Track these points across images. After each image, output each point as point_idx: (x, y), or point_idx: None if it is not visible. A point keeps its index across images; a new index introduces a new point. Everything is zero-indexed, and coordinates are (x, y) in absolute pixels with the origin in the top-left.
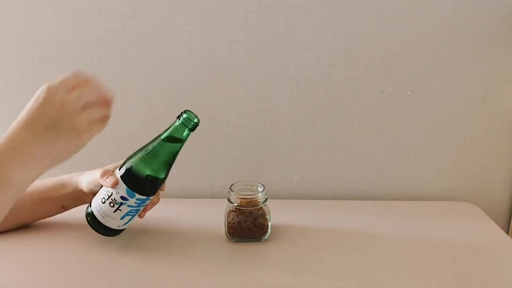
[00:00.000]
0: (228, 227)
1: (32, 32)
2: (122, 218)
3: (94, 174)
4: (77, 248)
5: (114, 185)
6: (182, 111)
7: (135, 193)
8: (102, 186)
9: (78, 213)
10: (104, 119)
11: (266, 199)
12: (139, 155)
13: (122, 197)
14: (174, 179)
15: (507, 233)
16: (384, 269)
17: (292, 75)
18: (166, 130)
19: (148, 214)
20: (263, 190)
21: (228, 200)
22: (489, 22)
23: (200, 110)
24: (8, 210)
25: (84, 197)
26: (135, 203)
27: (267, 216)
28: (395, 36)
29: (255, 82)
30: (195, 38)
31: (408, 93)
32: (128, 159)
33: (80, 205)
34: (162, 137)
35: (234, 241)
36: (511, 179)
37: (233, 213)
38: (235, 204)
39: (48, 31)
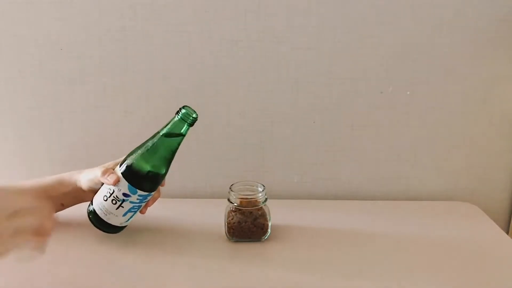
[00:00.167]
0: (228, 227)
1: (32, 32)
2: (124, 214)
3: (94, 172)
4: (78, 247)
5: (116, 183)
6: (181, 106)
7: (137, 190)
8: (103, 184)
9: (77, 211)
10: (35, 245)
11: (266, 199)
12: (139, 151)
13: (124, 194)
14: (174, 179)
15: (507, 233)
16: (384, 269)
17: (292, 75)
18: (165, 126)
19: (149, 214)
20: (263, 190)
21: (228, 200)
22: (489, 22)
23: (200, 110)
24: None
25: (83, 195)
26: (137, 199)
27: (267, 216)
28: (395, 36)
29: (255, 82)
30: (195, 38)
31: (408, 93)
32: (128, 156)
33: (79, 203)
34: (161, 133)
35: (234, 241)
36: (511, 179)
37: (233, 213)
38: (235, 204)
39: (48, 31)
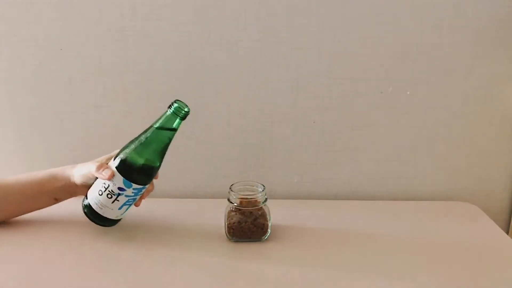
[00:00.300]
0: (228, 227)
1: (32, 32)
2: (120, 208)
3: (88, 167)
4: (75, 245)
5: (111, 177)
6: (173, 101)
7: (132, 183)
8: (97, 178)
9: (71, 205)
10: None
11: (266, 199)
12: (132, 146)
13: (120, 188)
14: (174, 179)
15: (507, 233)
16: (384, 269)
17: (292, 75)
18: (158, 120)
19: (149, 213)
20: (263, 190)
21: (228, 200)
22: (489, 22)
23: (200, 110)
24: None
25: (77, 189)
26: (132, 192)
27: (267, 216)
28: (395, 36)
29: (255, 82)
30: (195, 38)
31: (408, 93)
32: (122, 150)
33: (72, 197)
34: (154, 127)
35: (234, 241)
36: (511, 179)
37: (233, 213)
38: (235, 204)
39: (48, 31)
